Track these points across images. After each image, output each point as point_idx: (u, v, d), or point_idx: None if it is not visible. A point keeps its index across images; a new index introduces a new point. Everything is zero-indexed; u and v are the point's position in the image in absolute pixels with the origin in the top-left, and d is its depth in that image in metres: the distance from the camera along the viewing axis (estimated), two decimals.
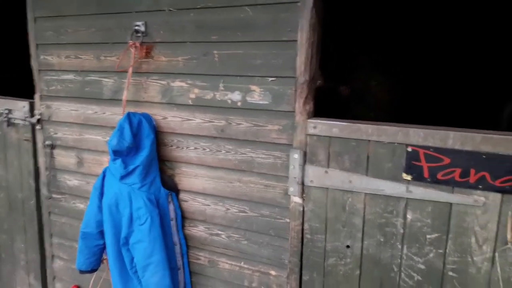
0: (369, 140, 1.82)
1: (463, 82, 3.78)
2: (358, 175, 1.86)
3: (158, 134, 2.29)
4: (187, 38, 2.13)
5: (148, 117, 2.27)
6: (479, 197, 1.66)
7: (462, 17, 3.58)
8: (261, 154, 2.07)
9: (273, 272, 2.14)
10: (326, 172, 1.91)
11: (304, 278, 2.04)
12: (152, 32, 2.22)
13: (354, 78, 4.07)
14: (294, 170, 1.96)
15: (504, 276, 1.66)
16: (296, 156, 1.95)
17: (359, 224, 1.89)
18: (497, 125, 3.54)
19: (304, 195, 1.98)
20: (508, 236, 1.63)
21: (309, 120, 1.92)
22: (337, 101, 3.90)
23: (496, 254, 1.66)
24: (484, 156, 1.62)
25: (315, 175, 1.94)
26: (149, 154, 2.18)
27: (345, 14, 3.63)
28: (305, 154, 1.94)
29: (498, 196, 1.63)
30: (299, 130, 1.94)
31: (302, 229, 2.01)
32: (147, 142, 2.19)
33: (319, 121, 1.91)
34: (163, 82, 2.24)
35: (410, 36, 3.81)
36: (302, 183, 1.96)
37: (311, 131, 1.92)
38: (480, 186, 1.65)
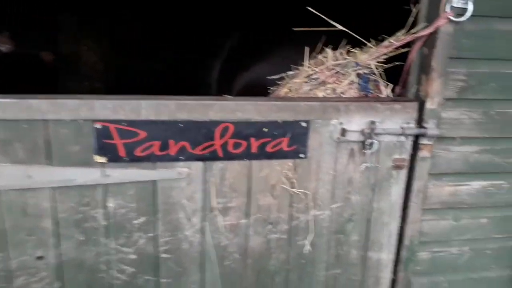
0: (46, 120, 1.38)
1: (178, 44, 3.67)
2: (39, 166, 1.41)
3: None
4: None
5: None
6: (182, 168, 1.52)
7: None
8: None
9: None
10: None
11: None
12: None
13: (60, 42, 3.40)
14: None
15: (215, 243, 1.63)
16: None
17: (50, 228, 1.47)
18: (208, 87, 3.67)
19: None
20: (213, 203, 1.58)
21: None
22: (43, 71, 3.18)
23: (206, 223, 1.60)
24: (181, 125, 1.47)
25: None
26: None
27: None
28: None
29: (200, 164, 1.53)
30: None
31: None
32: None
33: None
34: None
35: None
36: None
37: None
38: (182, 157, 1.51)
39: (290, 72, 2.01)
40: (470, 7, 1.50)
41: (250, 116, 1.51)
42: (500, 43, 1.60)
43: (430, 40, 1.58)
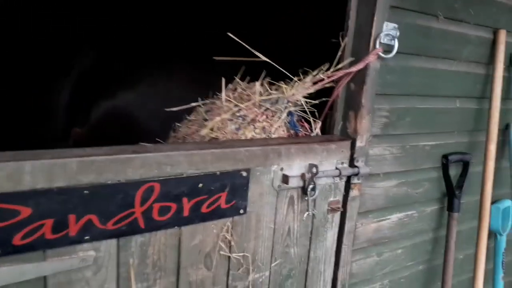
0: None
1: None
2: None
3: None
4: None
5: None
6: (86, 252, 1.06)
7: None
8: None
9: None
10: None
11: None
12: None
13: None
14: None
15: None
16: None
17: None
18: (55, 114, 2.97)
19: None
20: None
21: None
22: None
23: None
24: (86, 192, 1.02)
25: None
26: None
27: None
28: None
29: (113, 243, 1.10)
30: None
31: None
32: None
33: None
34: None
35: None
36: None
37: None
38: (87, 237, 1.05)
39: (195, 104, 1.71)
40: (396, 44, 1.48)
41: (181, 170, 1.15)
42: (415, 80, 1.64)
43: (359, 76, 1.50)
